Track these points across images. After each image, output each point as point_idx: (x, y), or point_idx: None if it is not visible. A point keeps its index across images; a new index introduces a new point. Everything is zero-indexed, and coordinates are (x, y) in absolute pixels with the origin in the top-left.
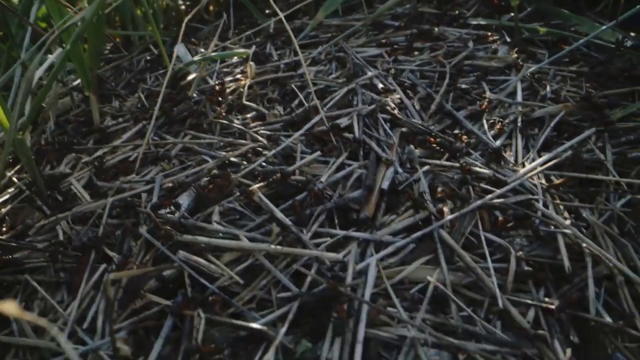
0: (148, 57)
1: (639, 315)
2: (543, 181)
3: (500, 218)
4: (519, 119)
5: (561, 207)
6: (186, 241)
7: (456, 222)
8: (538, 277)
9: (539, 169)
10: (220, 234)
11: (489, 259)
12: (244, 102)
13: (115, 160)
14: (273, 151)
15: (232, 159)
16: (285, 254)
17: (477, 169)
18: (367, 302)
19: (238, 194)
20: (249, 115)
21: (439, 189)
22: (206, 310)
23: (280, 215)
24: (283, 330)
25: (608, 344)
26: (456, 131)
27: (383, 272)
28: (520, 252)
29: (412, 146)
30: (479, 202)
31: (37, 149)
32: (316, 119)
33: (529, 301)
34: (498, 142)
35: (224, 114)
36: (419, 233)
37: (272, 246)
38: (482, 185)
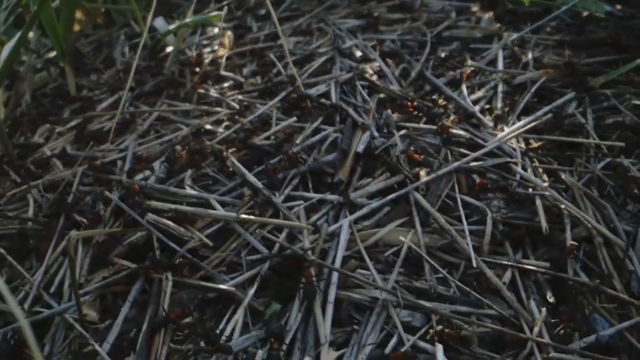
0: (128, 32)
1: (617, 276)
2: (522, 145)
3: (478, 181)
4: (500, 85)
5: (540, 170)
6: (154, 207)
7: (432, 185)
8: (515, 239)
9: (518, 132)
10: (193, 199)
11: (464, 221)
12: (222, 72)
13: (90, 130)
14: (249, 118)
15: (207, 126)
16: (253, 221)
17: (455, 131)
18: (333, 268)
19: (212, 159)
20: (226, 85)
21: (415, 152)
22: (175, 273)
23: (252, 179)
24: (252, 291)
25: (585, 304)
26: (435, 97)
27: (357, 234)
28: (497, 214)
29: (389, 111)
30: (455, 164)
31: (12, 121)
32: (293, 87)
33: (506, 262)
34: (477, 107)
35: (201, 83)
36: (393, 195)
37: (240, 215)
38: (461, 150)
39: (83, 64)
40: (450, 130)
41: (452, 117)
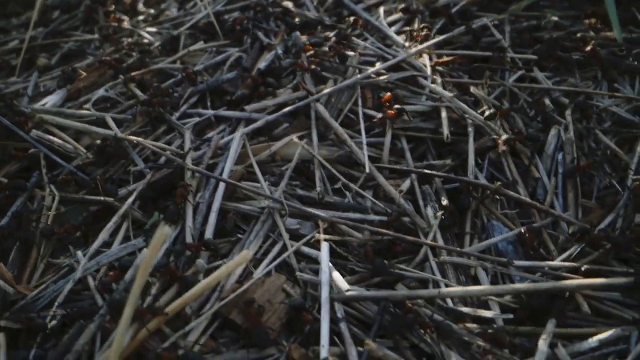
0: None
1: (523, 184)
2: (434, 59)
3: (385, 95)
4: (419, 6)
5: (450, 84)
6: (43, 125)
7: (333, 98)
8: (417, 149)
9: (428, 47)
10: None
11: (363, 133)
12: (139, 8)
13: None
14: (156, 44)
15: (115, 55)
16: (130, 140)
17: (364, 44)
18: (215, 177)
19: (112, 83)
20: (140, 18)
21: (305, 61)
22: (60, 189)
23: (144, 97)
24: (130, 200)
25: (483, 211)
26: (350, 19)
27: (249, 147)
28: (401, 125)
29: (298, 33)
30: (358, 76)
31: None
32: (203, 13)
33: (405, 167)
34: (393, 29)
35: (115, 17)
36: (291, 107)
37: (120, 134)
38: (369, 67)
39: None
40: (355, 47)
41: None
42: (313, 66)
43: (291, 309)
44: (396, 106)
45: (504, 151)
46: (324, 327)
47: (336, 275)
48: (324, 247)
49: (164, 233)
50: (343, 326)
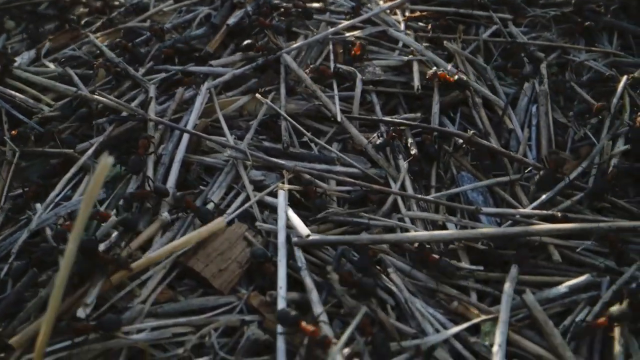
0: None
1: (496, 135)
2: (407, 14)
3: (355, 48)
4: None
5: (424, 39)
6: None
7: (303, 52)
8: (388, 104)
9: (401, 1)
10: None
11: (335, 87)
12: None
13: None
14: (127, 4)
15: (87, 18)
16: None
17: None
18: (178, 127)
19: (80, 42)
20: None
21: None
22: (21, 144)
23: (110, 54)
24: (90, 152)
25: (453, 163)
26: None
27: (216, 101)
28: (368, 78)
29: None
30: (329, 30)
31: None
32: None
33: (375, 117)
34: None
35: None
36: (260, 61)
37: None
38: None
39: None
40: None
41: None
42: (274, 22)
43: (251, 258)
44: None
45: (475, 103)
46: (281, 272)
47: (297, 221)
48: (281, 194)
49: (106, 164)
50: (304, 273)
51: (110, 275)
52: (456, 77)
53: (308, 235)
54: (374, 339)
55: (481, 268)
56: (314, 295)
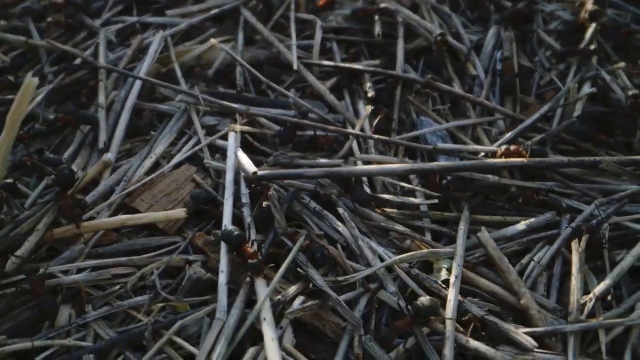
0: None
1: (459, 80)
2: None
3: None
4: None
5: None
6: None
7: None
8: (350, 52)
9: None
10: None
11: (294, 36)
12: None
13: None
14: None
15: None
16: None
17: None
18: (130, 74)
19: None
20: None
21: None
22: None
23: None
24: (38, 100)
25: (414, 108)
26: None
27: (172, 50)
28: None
29: None
30: None
31: None
32: None
33: (332, 63)
34: None
35: None
36: (217, 11)
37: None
38: None
39: None
40: None
41: None
42: None
43: (192, 200)
44: None
45: (439, 50)
46: (227, 211)
47: (245, 160)
48: (232, 135)
49: (32, 84)
50: (246, 210)
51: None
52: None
53: (255, 173)
54: (309, 247)
55: (436, 201)
56: (252, 232)
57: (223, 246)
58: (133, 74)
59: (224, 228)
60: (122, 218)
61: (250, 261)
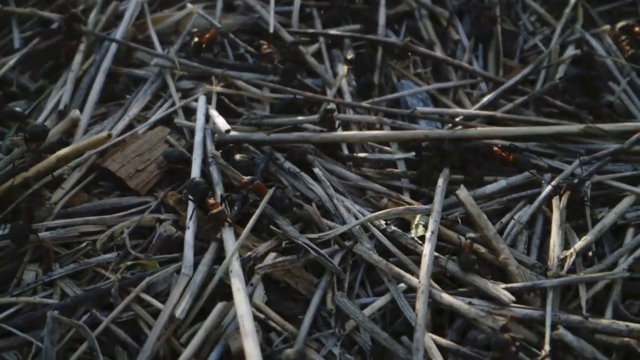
0: None
1: (440, 44)
2: None
3: None
4: None
5: None
6: None
7: None
8: (330, 18)
9: None
10: None
11: (272, 1)
12: None
13: None
14: None
15: None
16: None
17: None
18: (107, 37)
19: None
20: None
21: None
22: None
23: None
24: (11, 63)
25: (394, 72)
26: None
27: (148, 16)
28: None
29: None
30: None
31: None
32: None
33: (312, 30)
34: None
35: None
36: None
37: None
38: None
39: None
40: None
41: None
42: None
43: (164, 158)
44: None
45: (420, 15)
46: (195, 169)
47: (218, 119)
48: (202, 98)
49: None
50: (213, 168)
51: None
52: None
53: (228, 131)
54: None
55: (412, 153)
56: (219, 189)
57: (190, 203)
58: (108, 37)
59: (190, 180)
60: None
61: (211, 212)
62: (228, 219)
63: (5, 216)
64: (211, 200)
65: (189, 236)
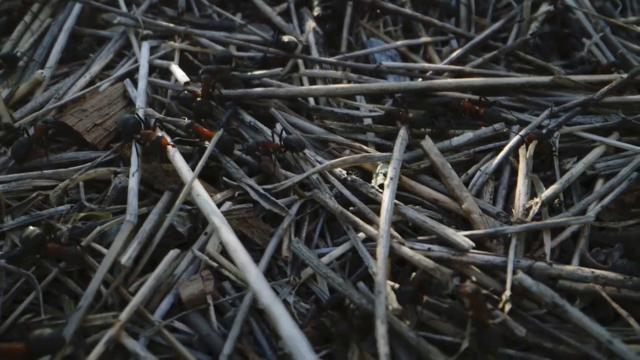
0: None
1: (411, 2)
2: None
3: None
4: None
5: None
6: None
7: None
8: None
9: None
10: None
11: None
12: None
13: None
14: None
15: None
16: None
17: None
18: None
19: None
20: None
21: None
22: None
23: None
24: None
25: (364, 31)
26: None
27: None
28: None
29: None
30: None
31: None
32: None
33: None
34: None
35: None
36: None
37: None
38: None
39: None
40: None
41: None
42: None
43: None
44: None
45: None
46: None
47: (177, 71)
48: (145, 45)
49: None
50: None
51: None
52: None
53: (188, 82)
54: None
55: (378, 112)
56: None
57: (133, 151)
58: None
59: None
60: None
61: (149, 139)
62: (170, 143)
63: None
64: (146, 131)
65: (133, 183)
